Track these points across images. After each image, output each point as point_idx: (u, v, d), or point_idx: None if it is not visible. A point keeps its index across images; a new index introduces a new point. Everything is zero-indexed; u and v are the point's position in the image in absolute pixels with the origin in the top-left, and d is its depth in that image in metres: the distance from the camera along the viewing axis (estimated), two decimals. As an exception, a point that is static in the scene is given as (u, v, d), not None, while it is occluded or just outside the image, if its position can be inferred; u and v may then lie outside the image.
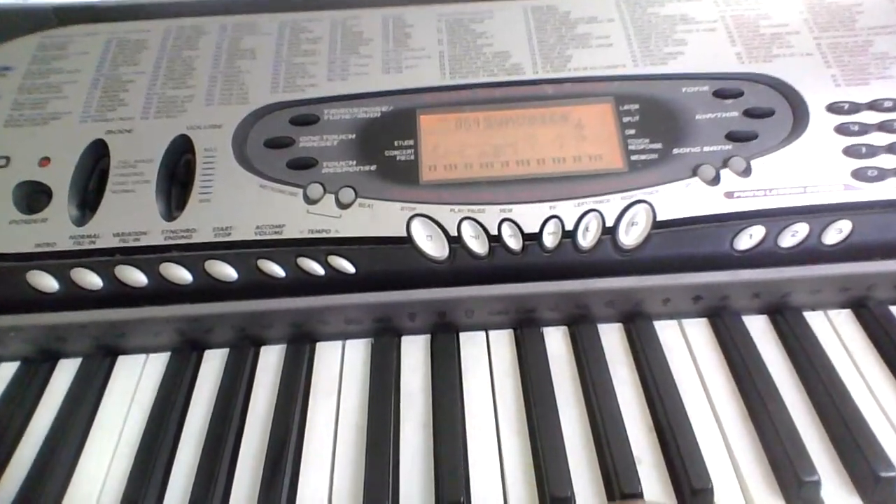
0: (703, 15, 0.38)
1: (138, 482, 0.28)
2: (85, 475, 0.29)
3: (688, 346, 0.32)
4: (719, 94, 0.35)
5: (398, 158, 0.34)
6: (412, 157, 0.34)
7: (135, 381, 0.33)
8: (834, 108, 0.34)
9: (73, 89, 0.37)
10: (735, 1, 0.39)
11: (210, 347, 0.34)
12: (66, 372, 0.33)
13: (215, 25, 0.39)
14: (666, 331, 0.33)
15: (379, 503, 0.26)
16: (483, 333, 0.34)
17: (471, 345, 0.33)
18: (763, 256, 0.32)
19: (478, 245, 0.32)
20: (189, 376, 0.33)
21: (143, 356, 0.34)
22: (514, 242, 0.32)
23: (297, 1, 0.40)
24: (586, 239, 0.32)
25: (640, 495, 0.26)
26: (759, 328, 0.33)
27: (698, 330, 0.33)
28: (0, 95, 0.37)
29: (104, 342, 0.33)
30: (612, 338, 0.33)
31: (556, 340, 0.33)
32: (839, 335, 0.33)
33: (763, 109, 0.34)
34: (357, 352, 0.33)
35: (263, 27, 0.39)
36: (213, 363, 0.33)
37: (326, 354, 0.33)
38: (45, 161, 0.34)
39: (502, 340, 0.33)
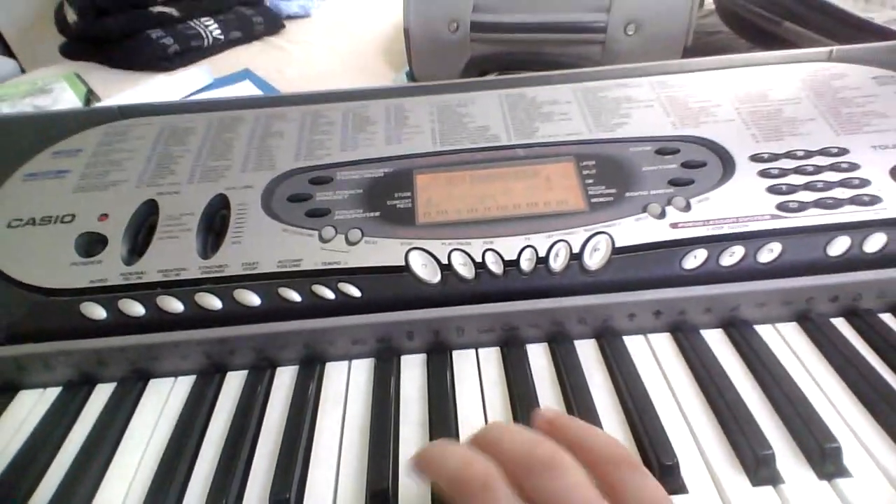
0: (642, 96, 0.47)
1: (160, 487, 0.31)
2: (112, 483, 0.32)
3: (654, 356, 0.37)
4: (660, 152, 0.43)
5: (398, 206, 0.41)
6: (410, 206, 0.41)
7: (163, 400, 0.36)
8: (756, 158, 0.42)
9: (131, 164, 0.45)
10: (668, 85, 0.48)
11: (232, 370, 0.38)
12: (102, 395, 0.37)
13: (250, 116, 0.48)
14: (634, 344, 0.37)
15: (380, 486, 0.29)
16: (473, 352, 0.38)
17: (462, 361, 0.37)
18: (708, 274, 0.37)
19: (465, 271, 0.37)
20: (212, 395, 0.36)
21: (171, 380, 0.38)
22: (496, 268, 0.37)
23: (316, 96, 0.50)
24: (557, 263, 0.37)
25: None
26: (715, 340, 0.37)
27: (663, 343, 0.37)
28: (71, 170, 0.45)
29: (138, 365, 0.37)
30: (587, 352, 0.37)
31: (538, 356, 0.37)
32: (788, 344, 0.37)
33: (696, 162, 0.42)
34: (361, 371, 0.37)
35: (289, 116, 0.48)
36: (233, 384, 0.37)
37: (334, 373, 0.37)
38: (103, 217, 0.41)
39: (490, 358, 0.38)
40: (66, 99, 0.94)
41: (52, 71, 1.05)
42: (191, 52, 1.01)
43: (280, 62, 1.03)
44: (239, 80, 0.91)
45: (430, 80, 0.50)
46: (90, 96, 0.90)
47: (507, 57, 0.85)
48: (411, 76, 0.91)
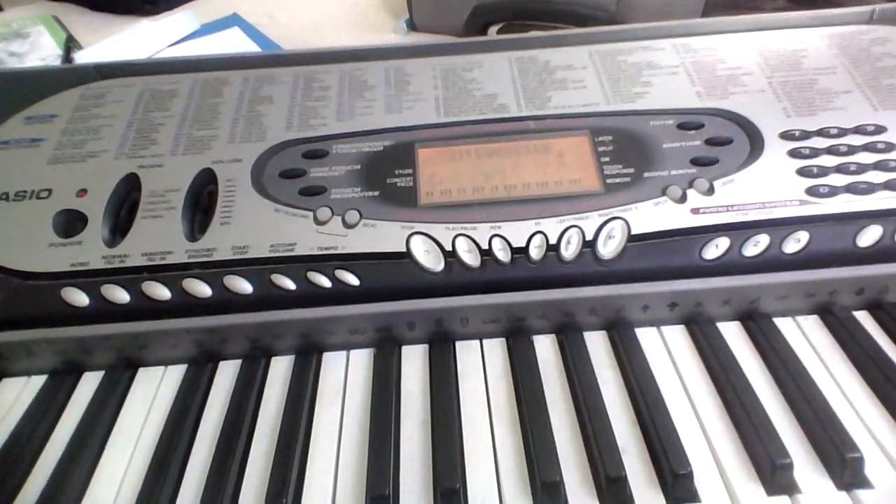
0: (665, 61, 0.43)
1: (153, 483, 0.30)
2: (103, 478, 0.31)
3: (667, 350, 0.35)
4: (682, 127, 0.39)
5: (398, 185, 0.38)
6: (411, 184, 0.38)
7: (153, 390, 0.35)
8: (786, 136, 0.39)
9: (109, 132, 0.42)
10: (694, 49, 0.44)
11: (224, 359, 0.36)
12: (89, 384, 0.36)
13: (238, 78, 0.45)
14: (647, 337, 0.35)
15: (380, 490, 0.28)
16: (478, 342, 0.36)
17: (466, 352, 0.36)
18: (730, 265, 0.35)
19: (471, 258, 0.35)
20: (204, 385, 0.35)
21: (161, 368, 0.36)
22: (503, 255, 0.35)
23: (310, 56, 0.46)
24: (568, 251, 0.35)
25: (624, 478, 0.28)
26: (732, 333, 0.35)
27: (677, 336, 0.36)
28: (46, 138, 0.42)
29: (126, 354, 0.36)
30: (597, 344, 0.36)
31: (545, 347, 0.36)
32: (808, 339, 0.35)
33: (722, 138, 0.39)
34: (360, 361, 0.36)
35: (280, 78, 0.44)
36: (226, 374, 0.36)
37: (332, 364, 0.36)
38: (82, 192, 0.38)
39: (495, 349, 0.36)
40: (43, 44, 0.88)
41: (28, 12, 0.98)
42: (175, -7, 0.94)
43: (271, 5, 0.96)
44: (227, 26, 0.85)
45: (431, 30, 0.46)
46: (70, 43, 0.84)
47: (515, 5, 0.79)
48: (411, 24, 0.85)
